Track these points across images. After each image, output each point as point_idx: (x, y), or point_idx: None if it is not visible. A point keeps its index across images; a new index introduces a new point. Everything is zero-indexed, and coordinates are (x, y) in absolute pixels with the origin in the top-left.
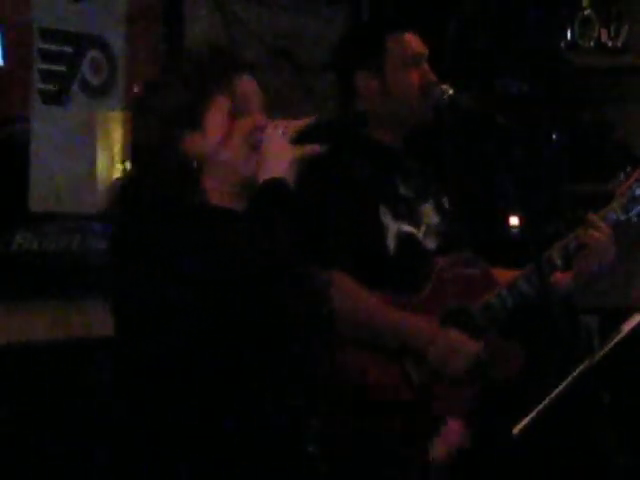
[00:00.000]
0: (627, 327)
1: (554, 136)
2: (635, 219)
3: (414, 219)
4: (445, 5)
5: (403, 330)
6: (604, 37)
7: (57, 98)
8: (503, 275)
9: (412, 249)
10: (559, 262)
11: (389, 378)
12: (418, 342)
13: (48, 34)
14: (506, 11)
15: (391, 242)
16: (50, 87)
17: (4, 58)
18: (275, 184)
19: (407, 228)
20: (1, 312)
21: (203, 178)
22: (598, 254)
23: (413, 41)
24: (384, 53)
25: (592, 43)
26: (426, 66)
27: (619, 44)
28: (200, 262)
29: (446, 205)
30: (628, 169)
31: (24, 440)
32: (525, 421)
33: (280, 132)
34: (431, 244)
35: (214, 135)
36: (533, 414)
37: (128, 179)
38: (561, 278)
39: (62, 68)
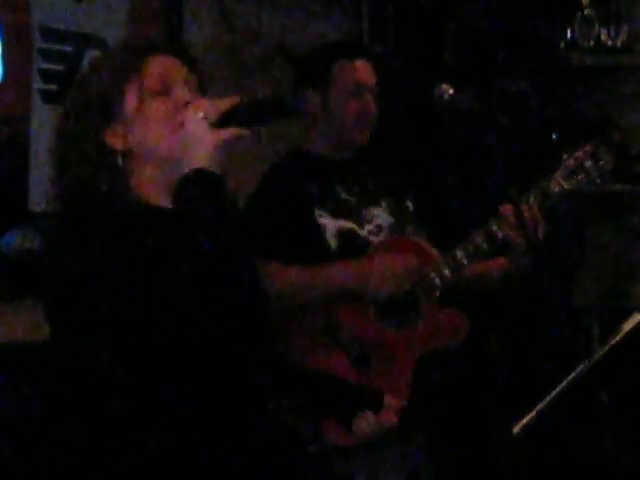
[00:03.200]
0: (627, 327)
1: (554, 136)
2: (568, 188)
3: (356, 219)
4: (445, 6)
5: (338, 274)
6: (604, 37)
7: (57, 98)
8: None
9: (353, 243)
10: (494, 228)
11: (326, 359)
12: (351, 276)
13: (48, 34)
14: (506, 11)
15: (332, 239)
16: (50, 86)
17: (4, 75)
18: (196, 176)
19: (347, 225)
20: (1, 312)
21: (132, 172)
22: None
23: (360, 70)
24: (331, 77)
25: (592, 43)
26: (368, 96)
27: (619, 44)
28: (124, 266)
29: (410, 206)
30: (582, 142)
31: (25, 440)
32: (525, 421)
33: (201, 115)
34: (377, 241)
35: (132, 121)
36: (533, 414)
37: (59, 182)
38: (498, 264)
39: (62, 68)
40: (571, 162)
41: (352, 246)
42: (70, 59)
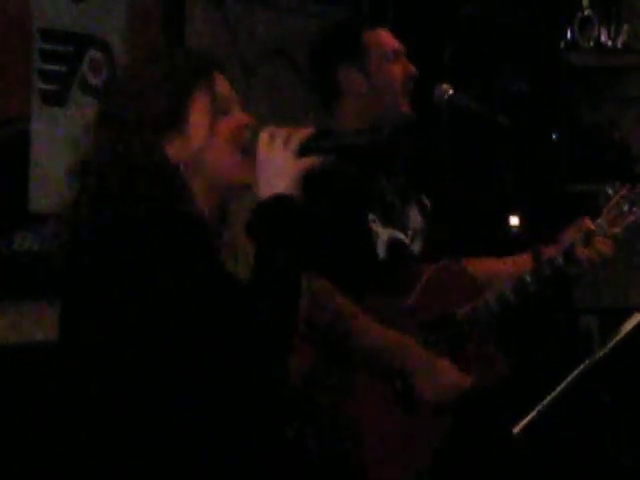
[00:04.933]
0: (627, 327)
1: (554, 136)
2: (619, 233)
3: (401, 224)
4: (445, 5)
5: (391, 348)
6: (604, 37)
7: (57, 98)
8: (490, 266)
9: (401, 255)
10: (547, 273)
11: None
12: (404, 362)
13: (48, 34)
14: (506, 11)
15: (381, 249)
16: (50, 87)
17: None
18: (279, 201)
19: (396, 234)
20: (1, 312)
21: (190, 182)
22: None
23: (389, 37)
24: (365, 48)
25: (592, 43)
26: (405, 59)
27: (619, 44)
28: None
29: (428, 206)
30: (617, 183)
31: (25, 440)
32: (525, 421)
33: (280, 142)
34: (417, 248)
35: (197, 136)
36: (533, 414)
37: (99, 194)
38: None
39: (62, 68)
40: (611, 207)
41: (400, 257)
42: (70, 59)
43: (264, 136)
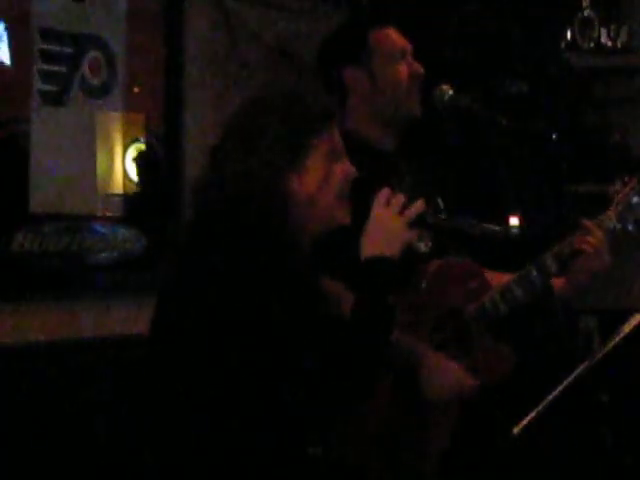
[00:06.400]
0: (627, 327)
1: (554, 136)
2: (631, 228)
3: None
4: (445, 5)
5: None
6: (604, 37)
7: (57, 98)
8: (498, 278)
9: (407, 253)
10: (553, 268)
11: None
12: (410, 359)
13: (48, 34)
14: (506, 12)
15: None
16: (50, 87)
17: (11, 58)
18: (387, 264)
19: None
20: (1, 312)
21: (302, 220)
22: (592, 261)
23: (396, 36)
24: (370, 48)
25: (592, 43)
26: (412, 59)
27: (619, 44)
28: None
29: (441, 206)
30: (626, 176)
31: (25, 440)
32: (525, 421)
33: (397, 209)
34: (424, 247)
35: (314, 178)
36: (533, 414)
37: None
38: (556, 283)
39: (62, 68)
40: (620, 199)
41: (406, 256)
42: (70, 59)
43: (382, 197)
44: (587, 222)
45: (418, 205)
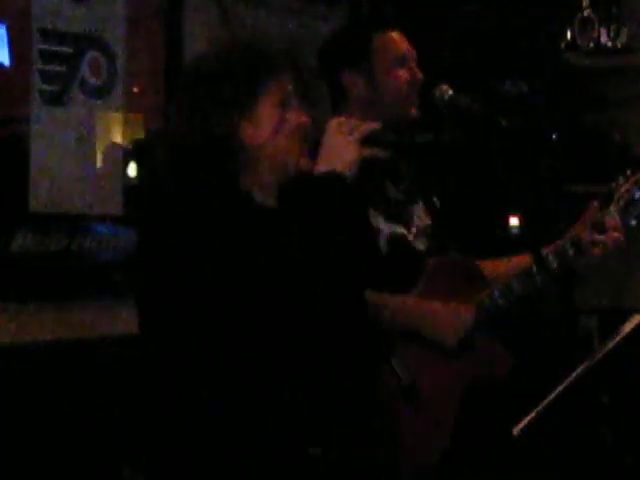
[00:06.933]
0: (627, 327)
1: (554, 136)
2: (633, 223)
3: (405, 221)
4: (445, 5)
5: (396, 309)
6: (604, 38)
7: (57, 98)
8: (495, 266)
9: (403, 250)
10: (555, 265)
11: None
12: (412, 317)
13: (48, 34)
14: (506, 12)
15: (383, 244)
16: (50, 87)
17: (11, 58)
18: (336, 177)
19: (399, 230)
20: (1, 312)
21: (249, 169)
22: (599, 258)
23: (399, 41)
24: (372, 53)
25: (592, 43)
26: (414, 64)
27: (619, 45)
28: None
29: (437, 206)
30: (628, 171)
31: (25, 439)
32: (525, 421)
33: (346, 130)
34: (421, 245)
35: (267, 124)
36: (533, 414)
37: (168, 170)
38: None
39: (62, 68)
40: (623, 194)
41: (402, 253)
42: (70, 59)
43: (333, 123)
44: (596, 216)
45: (368, 125)
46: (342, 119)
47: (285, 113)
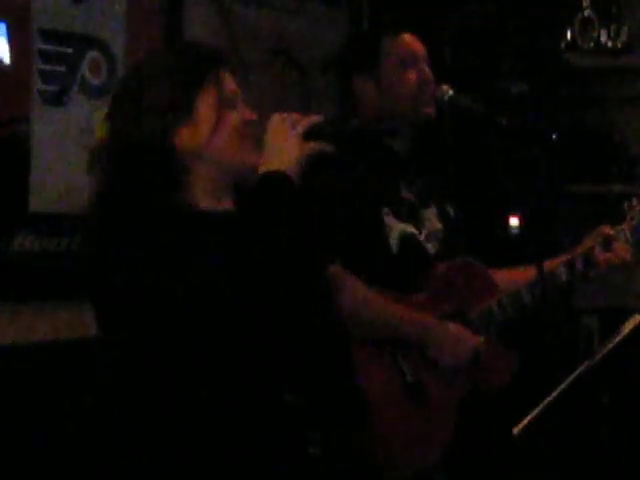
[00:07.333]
0: (627, 327)
1: (554, 136)
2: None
3: (416, 222)
4: (445, 5)
5: (403, 321)
6: (604, 37)
7: (57, 98)
8: (503, 275)
9: (414, 250)
10: (564, 278)
11: (380, 375)
12: (417, 333)
13: (48, 34)
14: (506, 12)
15: (394, 242)
16: (50, 87)
17: (11, 58)
18: (279, 177)
19: (410, 229)
20: (2, 312)
21: (191, 175)
22: (604, 272)
23: (410, 41)
24: (381, 55)
25: (592, 43)
26: (424, 65)
27: (619, 45)
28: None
29: (451, 213)
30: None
31: (24, 440)
32: (525, 421)
33: (289, 125)
34: (432, 249)
35: (204, 128)
36: (533, 414)
37: (108, 179)
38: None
39: (62, 68)
40: (635, 213)
41: (413, 252)
42: (70, 59)
43: (275, 118)
44: (607, 232)
45: (310, 118)
46: (284, 114)
47: (224, 113)
